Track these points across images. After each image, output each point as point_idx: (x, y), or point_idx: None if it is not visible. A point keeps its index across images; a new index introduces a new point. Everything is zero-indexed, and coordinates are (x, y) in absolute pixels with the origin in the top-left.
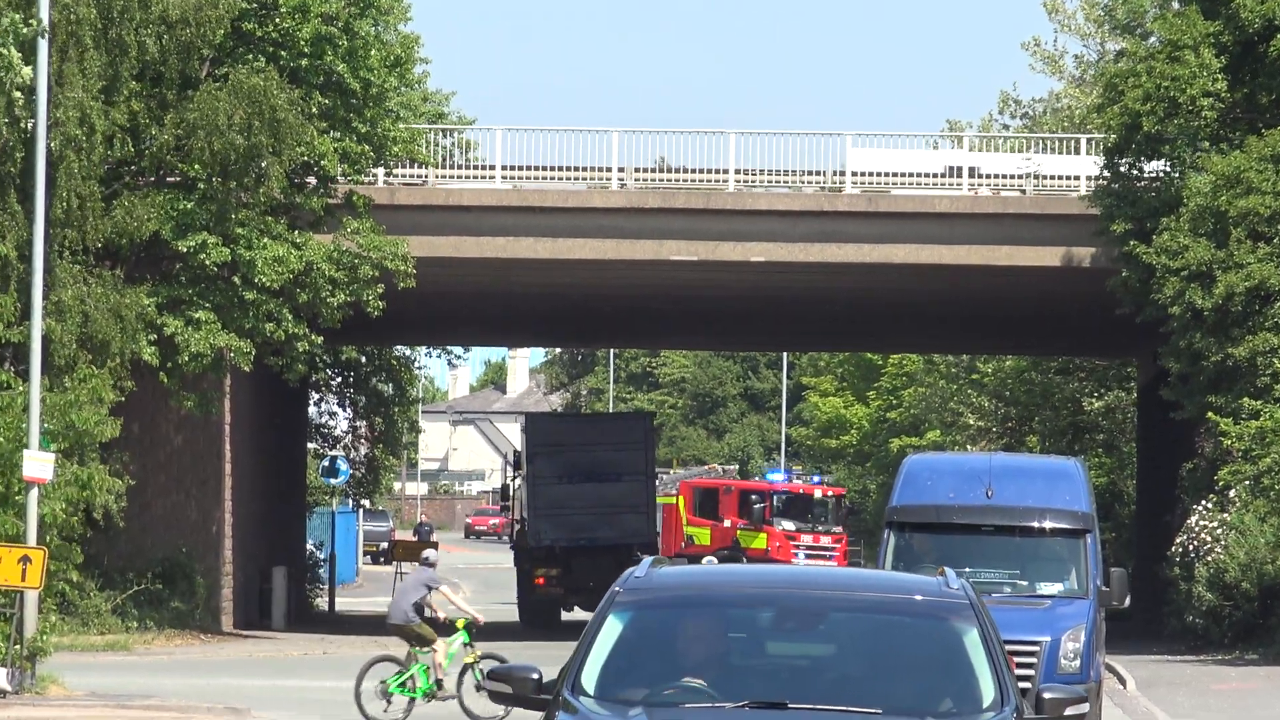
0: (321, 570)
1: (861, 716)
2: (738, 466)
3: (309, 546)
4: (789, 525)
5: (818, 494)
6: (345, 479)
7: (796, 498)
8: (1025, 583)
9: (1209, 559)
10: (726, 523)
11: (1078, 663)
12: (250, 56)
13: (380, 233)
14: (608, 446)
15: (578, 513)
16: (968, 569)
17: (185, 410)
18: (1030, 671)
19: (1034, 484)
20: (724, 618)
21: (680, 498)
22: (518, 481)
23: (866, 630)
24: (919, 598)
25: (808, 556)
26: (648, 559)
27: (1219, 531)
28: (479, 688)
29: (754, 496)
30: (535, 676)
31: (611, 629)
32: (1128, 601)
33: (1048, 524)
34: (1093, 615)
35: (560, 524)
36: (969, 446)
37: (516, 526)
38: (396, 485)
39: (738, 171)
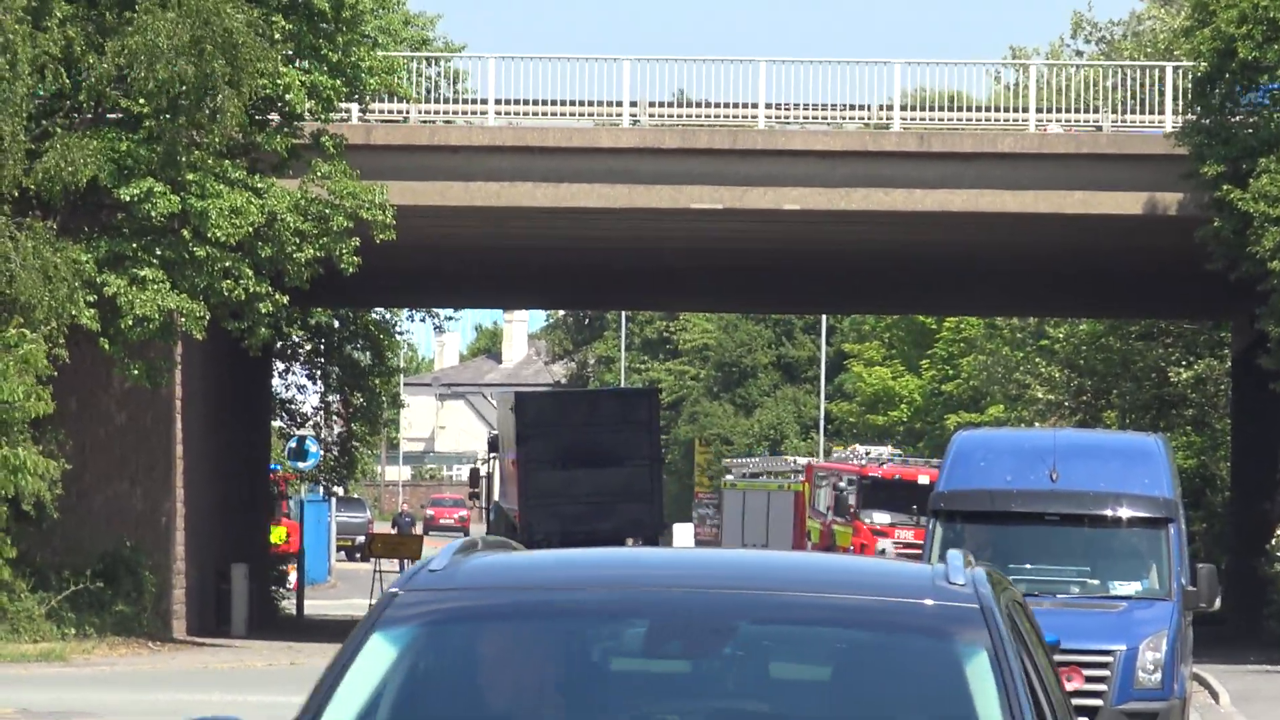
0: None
1: None
2: (891, 448)
3: (273, 541)
4: (882, 518)
5: (923, 479)
6: (315, 462)
7: (893, 484)
8: (1096, 581)
9: None
10: (829, 515)
11: (1158, 676)
12: None
13: (355, 177)
14: (608, 428)
15: (574, 502)
16: (1029, 564)
17: (130, 383)
18: (1103, 687)
19: (1107, 465)
20: (564, 636)
21: (805, 485)
22: (494, 466)
23: (802, 653)
24: (895, 600)
25: (901, 556)
26: (453, 543)
27: None
28: None
29: (841, 483)
30: None
31: (373, 660)
32: (1218, 603)
33: (1123, 512)
34: (1176, 620)
35: (554, 515)
36: (1037, 423)
37: (490, 517)
38: (375, 469)
39: (769, 106)
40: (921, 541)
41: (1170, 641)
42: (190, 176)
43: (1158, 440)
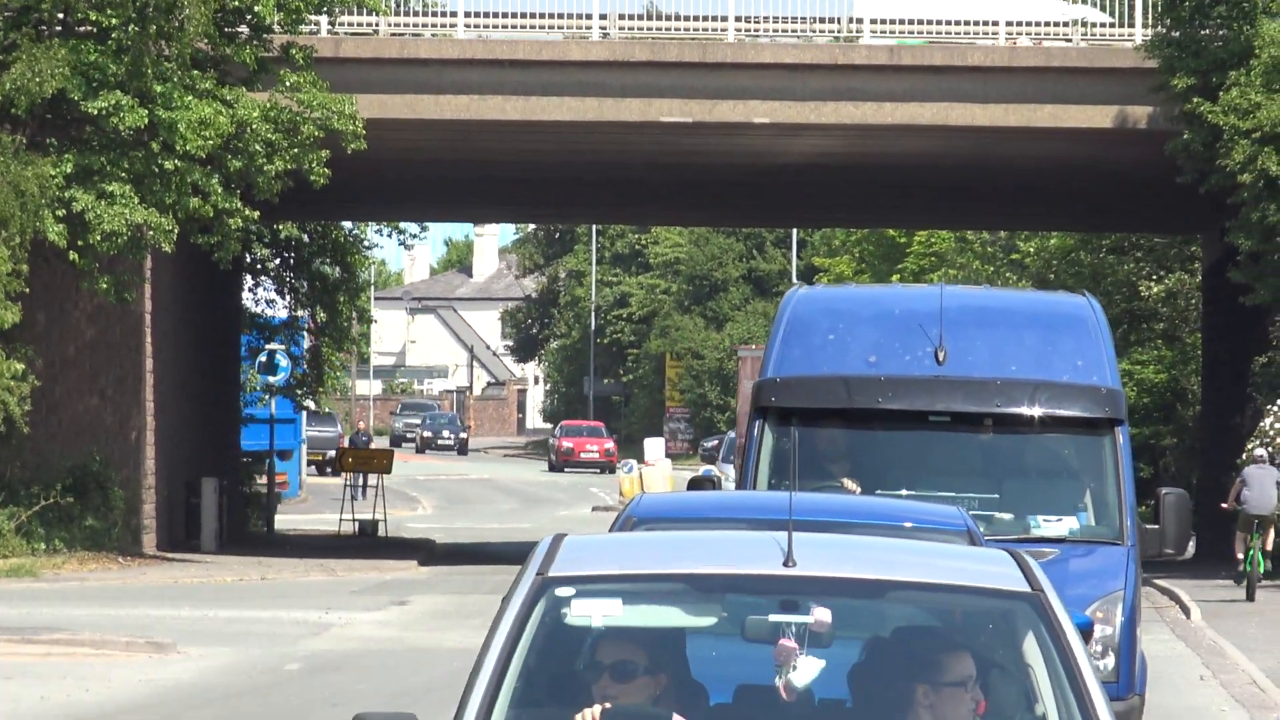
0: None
1: None
2: None
3: (243, 455)
4: None
5: None
6: (285, 376)
7: None
8: (1009, 516)
9: None
10: None
11: (1111, 661)
12: None
13: (324, 89)
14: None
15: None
16: (905, 489)
17: (98, 297)
18: None
19: (1019, 338)
20: None
21: None
22: None
23: None
24: None
25: None
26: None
27: None
28: None
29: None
30: None
31: None
32: (1191, 549)
33: (1047, 409)
34: (1134, 574)
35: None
36: None
37: None
38: (346, 384)
39: (738, 19)
40: None
41: (1128, 608)
42: (158, 88)
43: (1090, 301)
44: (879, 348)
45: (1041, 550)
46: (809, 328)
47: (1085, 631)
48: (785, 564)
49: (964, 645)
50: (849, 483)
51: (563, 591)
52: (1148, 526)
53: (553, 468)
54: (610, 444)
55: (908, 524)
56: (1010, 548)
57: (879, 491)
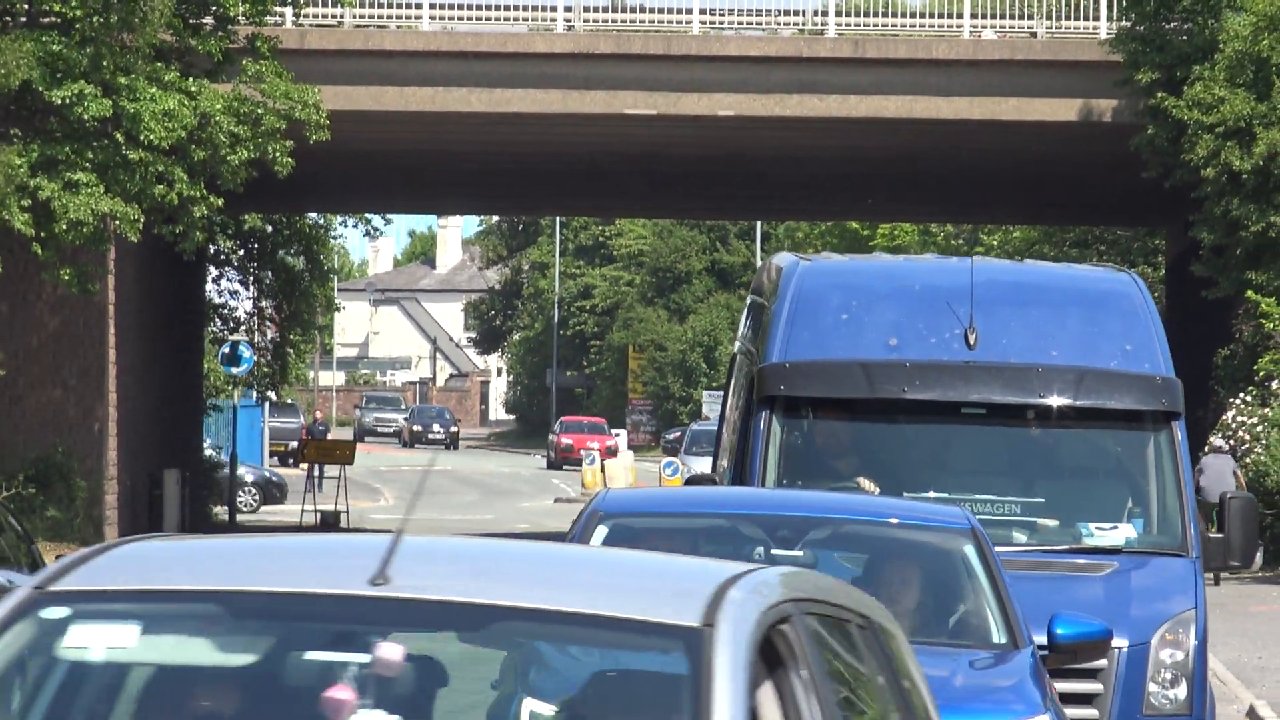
0: (220, 474)
1: None
2: None
3: (206, 446)
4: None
5: None
6: (249, 368)
7: None
8: (1053, 522)
9: (1247, 460)
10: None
11: (1182, 691)
12: None
13: (287, 79)
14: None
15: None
16: (933, 490)
17: (61, 288)
18: (1089, 712)
19: (1060, 319)
20: None
21: None
22: None
23: None
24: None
25: None
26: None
27: (1259, 429)
28: None
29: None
30: None
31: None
32: (1259, 560)
33: (1095, 400)
34: (1202, 590)
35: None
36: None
37: None
38: (309, 375)
39: (703, 12)
40: None
41: (1200, 629)
42: (121, 80)
43: (1134, 278)
44: (900, 328)
45: (1098, 562)
46: (818, 305)
47: (1094, 643)
48: (374, 580)
49: (616, 710)
50: (866, 483)
51: (54, 613)
52: (1211, 534)
53: (551, 465)
54: (611, 441)
55: (894, 520)
56: (749, 560)
57: (905, 494)
